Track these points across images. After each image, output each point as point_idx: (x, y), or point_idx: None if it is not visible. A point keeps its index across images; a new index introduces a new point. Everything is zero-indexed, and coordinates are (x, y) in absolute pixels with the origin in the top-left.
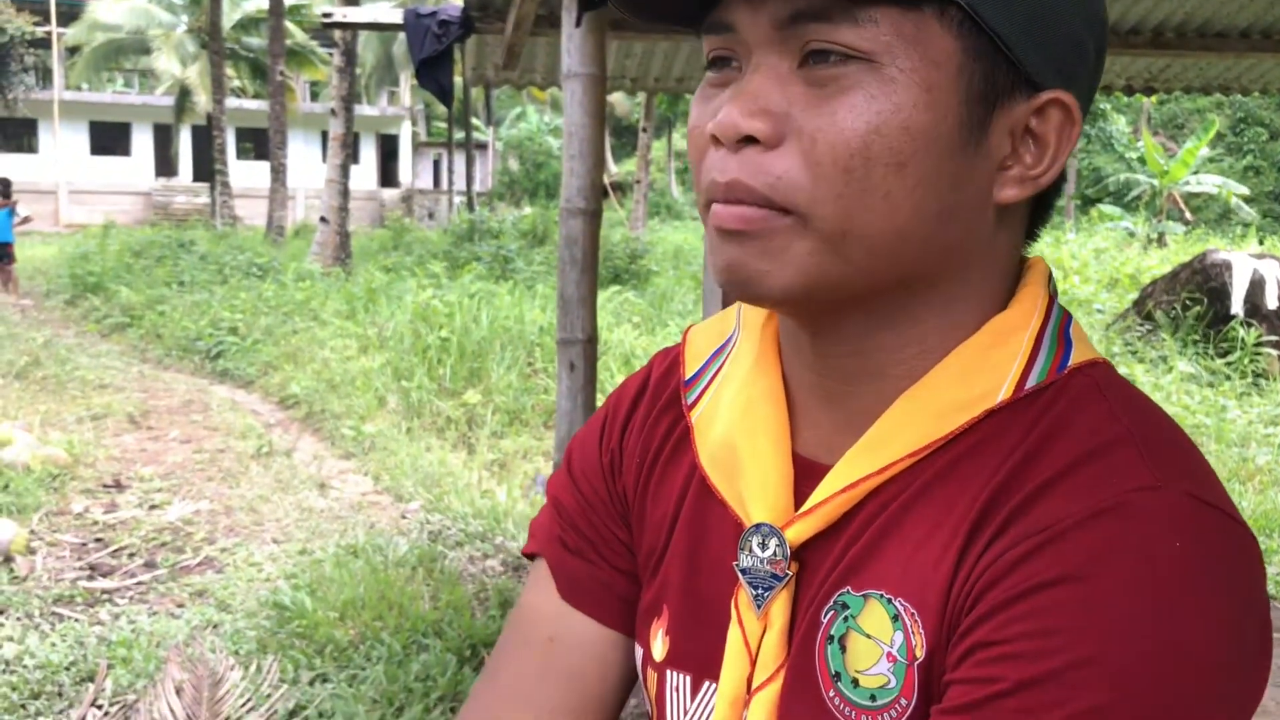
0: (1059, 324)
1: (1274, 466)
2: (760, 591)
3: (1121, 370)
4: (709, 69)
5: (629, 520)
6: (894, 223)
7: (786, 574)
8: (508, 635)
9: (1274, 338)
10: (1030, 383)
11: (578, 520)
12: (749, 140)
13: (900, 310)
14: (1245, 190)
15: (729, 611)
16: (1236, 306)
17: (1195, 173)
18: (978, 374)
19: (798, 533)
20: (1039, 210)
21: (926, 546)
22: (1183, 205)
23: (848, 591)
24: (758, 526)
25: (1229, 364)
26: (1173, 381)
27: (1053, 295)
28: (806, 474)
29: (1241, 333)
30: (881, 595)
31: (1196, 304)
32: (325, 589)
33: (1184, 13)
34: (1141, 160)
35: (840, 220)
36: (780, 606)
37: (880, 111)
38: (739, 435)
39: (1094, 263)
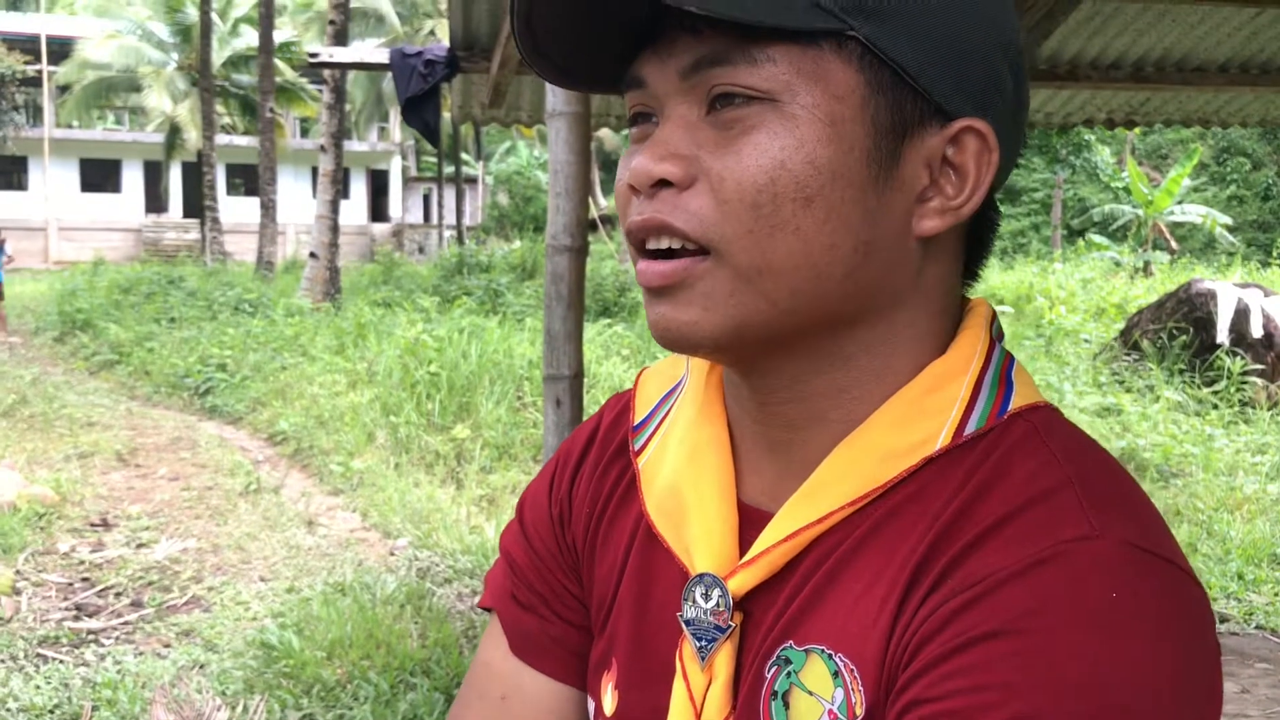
0: (1000, 367)
1: (1261, 495)
2: (704, 644)
3: (1108, 400)
4: (631, 126)
5: (579, 572)
6: (809, 258)
7: (730, 625)
8: (464, 693)
9: (1259, 366)
10: (969, 429)
11: (529, 574)
12: (663, 184)
13: (832, 352)
14: (1229, 219)
15: (674, 663)
16: (1222, 335)
17: (1180, 202)
18: (916, 420)
19: (740, 583)
20: (975, 247)
21: (865, 600)
22: (1168, 234)
23: (790, 646)
24: (701, 577)
25: (1215, 393)
26: (1160, 410)
27: (995, 338)
28: (751, 522)
29: (1227, 362)
30: (823, 650)
31: (1182, 333)
32: (313, 628)
33: (1163, 48)
34: (1126, 190)
35: (754, 256)
36: (724, 658)
37: (784, 147)
38: (684, 482)
39: (1081, 292)
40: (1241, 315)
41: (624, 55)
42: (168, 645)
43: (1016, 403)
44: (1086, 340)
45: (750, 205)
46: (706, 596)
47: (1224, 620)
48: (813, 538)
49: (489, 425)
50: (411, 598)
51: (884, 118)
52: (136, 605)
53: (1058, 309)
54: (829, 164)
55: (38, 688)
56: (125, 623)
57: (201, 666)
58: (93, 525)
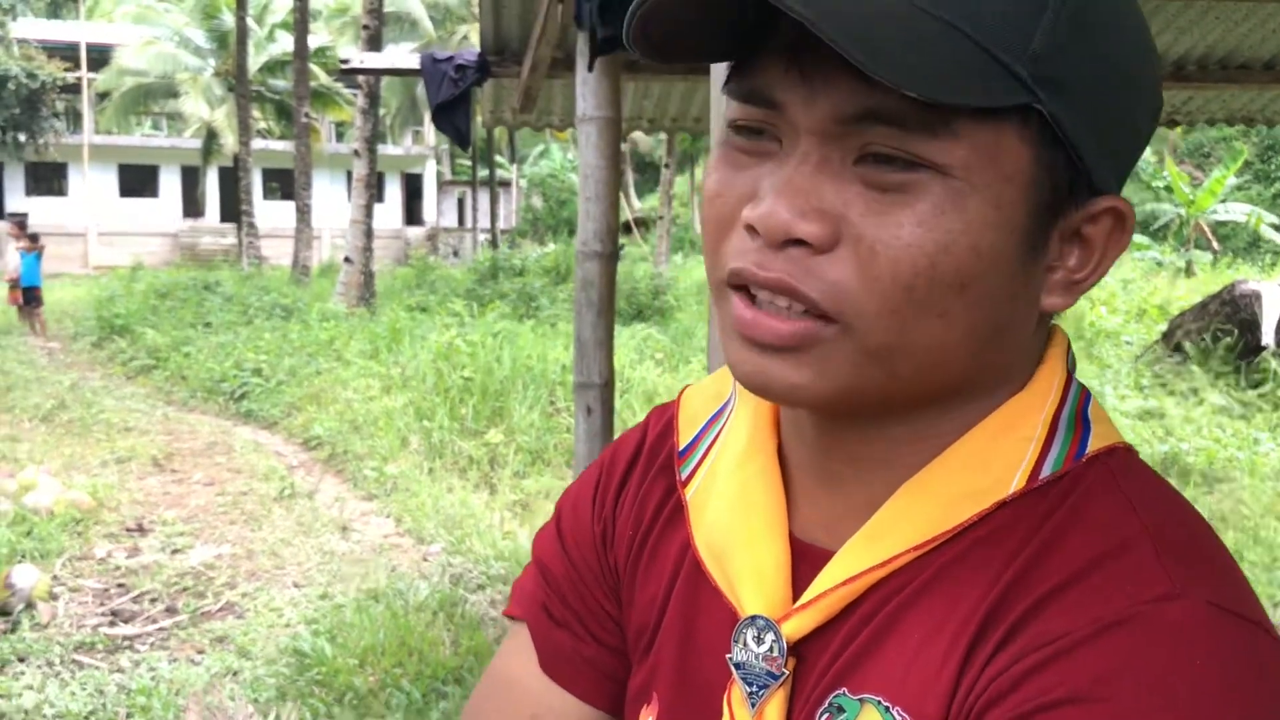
0: (1076, 404)
1: None
2: (755, 689)
3: (1150, 403)
4: (736, 134)
5: (618, 594)
6: (946, 341)
7: (783, 673)
8: (482, 706)
9: None
10: (1045, 471)
11: (565, 590)
12: (798, 242)
13: (925, 411)
14: (1274, 218)
15: (721, 707)
16: (1267, 337)
17: (1223, 201)
18: (989, 462)
19: (795, 627)
20: None
21: (928, 650)
22: (1210, 234)
23: (844, 694)
24: (753, 619)
25: (1261, 395)
26: (1204, 414)
27: (1070, 370)
28: (804, 558)
29: (1273, 364)
30: (879, 701)
31: (1226, 335)
32: (345, 635)
33: (1205, 45)
34: (1168, 189)
35: (891, 337)
36: (775, 707)
37: (950, 230)
38: (735, 521)
39: (1121, 293)
40: None
41: (733, 34)
42: (201, 652)
43: (1094, 444)
44: (1128, 342)
45: (904, 286)
46: (759, 640)
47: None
48: (874, 581)
49: (522, 430)
50: (444, 605)
51: (1046, 197)
52: (171, 611)
53: (1098, 310)
54: (991, 249)
55: (73, 694)
56: (160, 629)
57: (234, 673)
58: (129, 531)
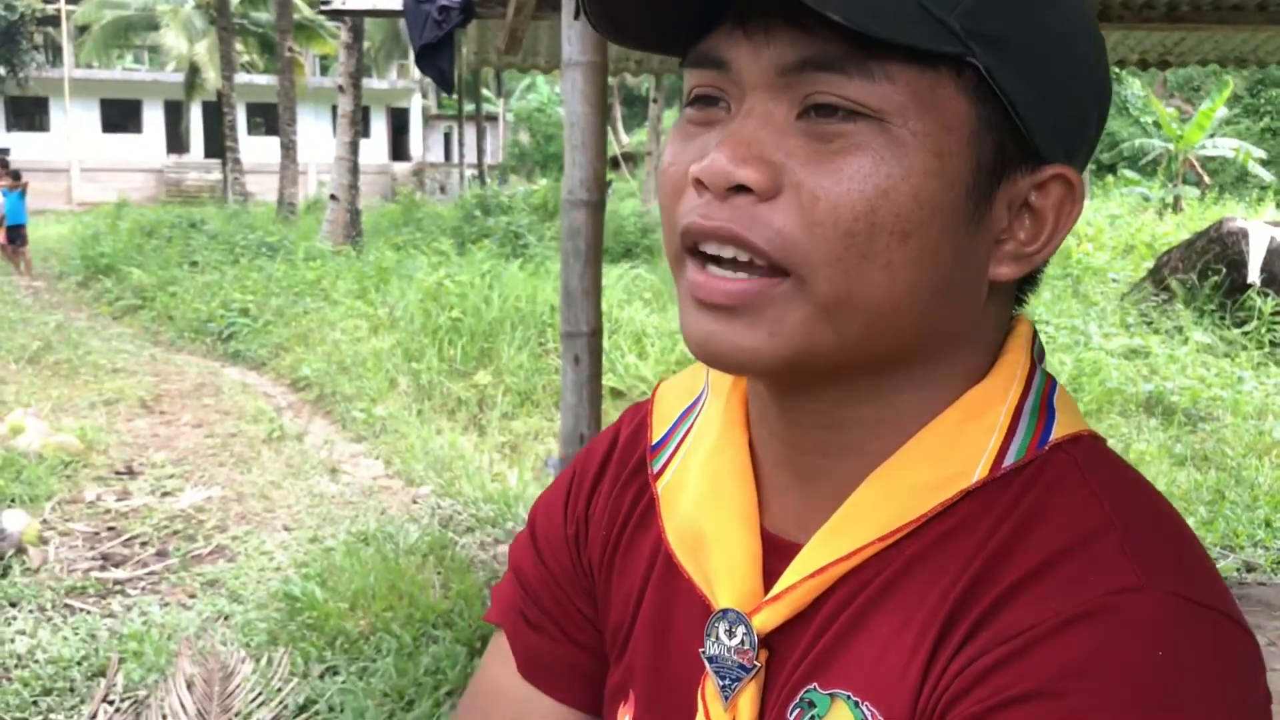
0: (1041, 393)
1: None
2: (728, 682)
3: (1136, 342)
4: (690, 105)
5: (594, 595)
6: (892, 295)
7: (755, 665)
8: (470, 714)
9: None
10: (1008, 460)
11: (540, 593)
12: (740, 189)
13: (879, 384)
14: (1263, 153)
15: (695, 702)
16: (1253, 275)
17: (1211, 136)
18: (952, 451)
19: (766, 620)
20: (1029, 276)
21: (896, 645)
22: (1199, 169)
23: (814, 689)
24: (724, 612)
25: (1246, 334)
26: (1189, 353)
27: (1035, 360)
28: (775, 552)
29: (1259, 302)
30: (849, 697)
31: (1213, 273)
32: (336, 579)
33: None
34: (1157, 124)
35: (838, 287)
36: (748, 699)
37: (890, 175)
38: (705, 513)
39: (1109, 229)
40: (1274, 254)
41: (697, 19)
42: (193, 596)
43: (1058, 432)
44: (1115, 279)
45: (844, 232)
46: (730, 633)
47: (1250, 569)
48: (842, 573)
49: (511, 371)
50: (434, 548)
51: (987, 155)
52: (162, 555)
53: (1085, 247)
54: (932, 199)
55: (65, 639)
56: (151, 573)
57: (226, 618)
58: (118, 474)
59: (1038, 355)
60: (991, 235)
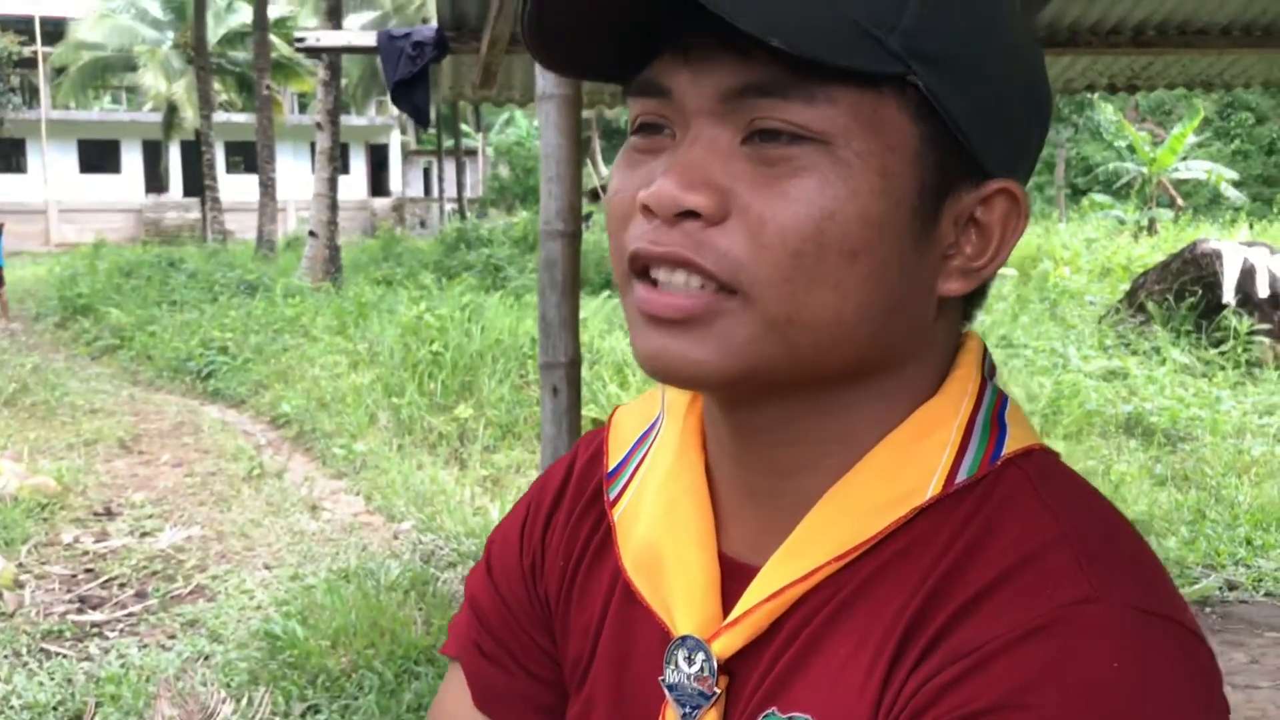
0: (992, 408)
1: (1270, 458)
2: (688, 710)
3: (1114, 364)
4: (635, 133)
5: (552, 627)
6: (841, 314)
7: (715, 692)
8: None
9: (1266, 326)
10: (960, 476)
11: (496, 625)
12: (688, 215)
13: (830, 402)
14: (1234, 175)
15: None
16: (1228, 296)
17: (1184, 159)
18: (904, 469)
19: (724, 646)
20: (976, 292)
21: (852, 665)
22: (1173, 191)
23: (774, 713)
24: (683, 639)
25: (1222, 354)
26: (1167, 374)
27: (988, 375)
28: (734, 576)
29: (1234, 322)
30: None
31: (1189, 294)
32: (317, 616)
33: (1164, 12)
34: (1130, 148)
35: (787, 306)
36: None
37: (836, 197)
38: (662, 538)
39: (1085, 253)
40: (1248, 275)
41: (637, 49)
42: (172, 636)
43: (1010, 447)
44: (1092, 302)
45: (793, 254)
46: (690, 660)
47: (1233, 587)
48: (799, 595)
49: (492, 404)
50: (415, 583)
51: (932, 173)
52: (140, 596)
53: (1061, 270)
54: (879, 218)
55: (41, 684)
56: (129, 614)
57: (206, 658)
58: (96, 515)
59: (988, 371)
60: (939, 251)
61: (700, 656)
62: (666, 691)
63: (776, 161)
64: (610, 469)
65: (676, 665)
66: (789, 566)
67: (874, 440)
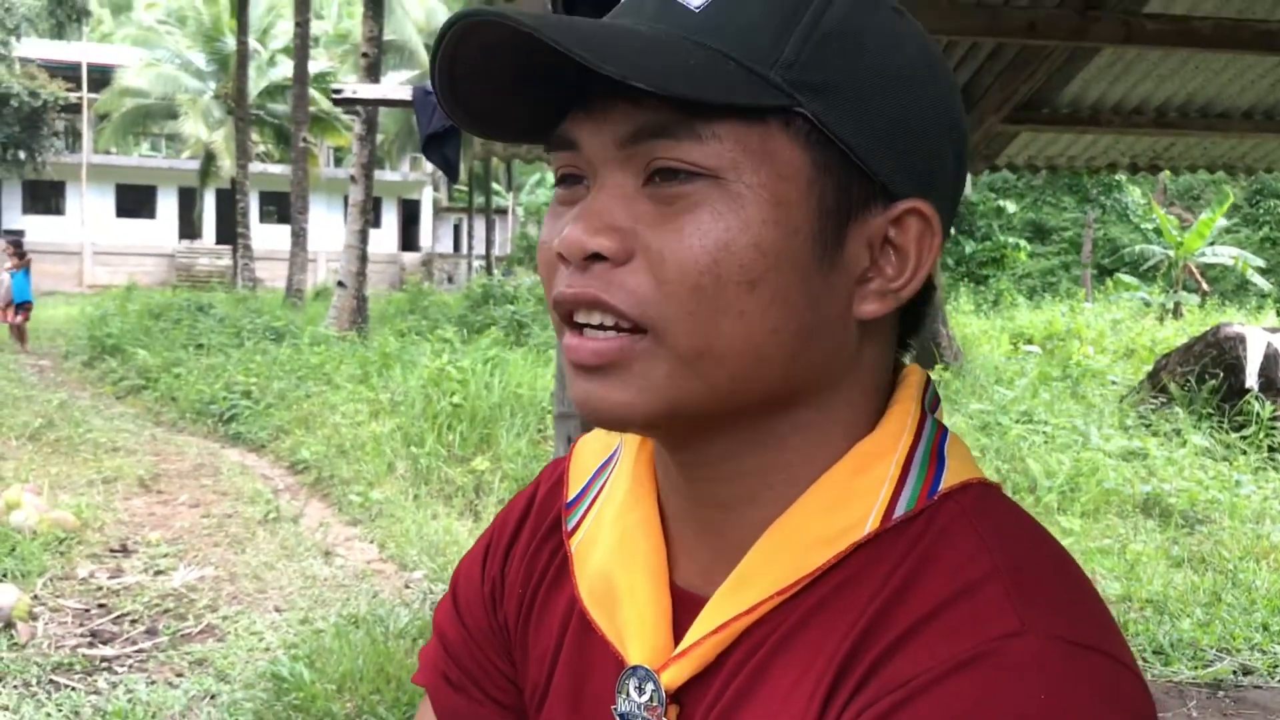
0: (932, 442)
1: None
2: None
3: (1134, 444)
4: (557, 186)
5: (512, 653)
6: (751, 342)
7: None
8: None
9: None
10: (899, 511)
11: (460, 653)
12: (597, 258)
13: (765, 433)
14: (1261, 262)
15: None
16: (1251, 380)
17: (1211, 244)
18: (844, 504)
19: (673, 676)
20: (908, 319)
21: (795, 696)
22: (1199, 276)
23: None
24: (634, 669)
25: (1243, 438)
26: (1186, 455)
27: (929, 408)
28: (685, 607)
29: (1256, 407)
30: None
31: (1211, 377)
32: (324, 660)
33: (1187, 93)
34: (1157, 231)
35: (695, 339)
36: None
37: (729, 228)
38: (616, 568)
39: (1110, 333)
40: (1271, 360)
41: (550, 109)
42: (180, 674)
43: (948, 480)
44: (1114, 382)
45: (692, 287)
46: (640, 690)
47: (1248, 672)
48: (744, 627)
49: (509, 458)
50: (424, 632)
51: (830, 198)
52: (151, 633)
53: (1086, 349)
54: (774, 246)
55: (48, 715)
56: (139, 650)
57: (212, 697)
58: (112, 551)
59: (930, 404)
60: (850, 275)
61: (650, 686)
62: None
63: (673, 200)
64: (570, 499)
65: (628, 694)
66: (735, 599)
67: (812, 470)
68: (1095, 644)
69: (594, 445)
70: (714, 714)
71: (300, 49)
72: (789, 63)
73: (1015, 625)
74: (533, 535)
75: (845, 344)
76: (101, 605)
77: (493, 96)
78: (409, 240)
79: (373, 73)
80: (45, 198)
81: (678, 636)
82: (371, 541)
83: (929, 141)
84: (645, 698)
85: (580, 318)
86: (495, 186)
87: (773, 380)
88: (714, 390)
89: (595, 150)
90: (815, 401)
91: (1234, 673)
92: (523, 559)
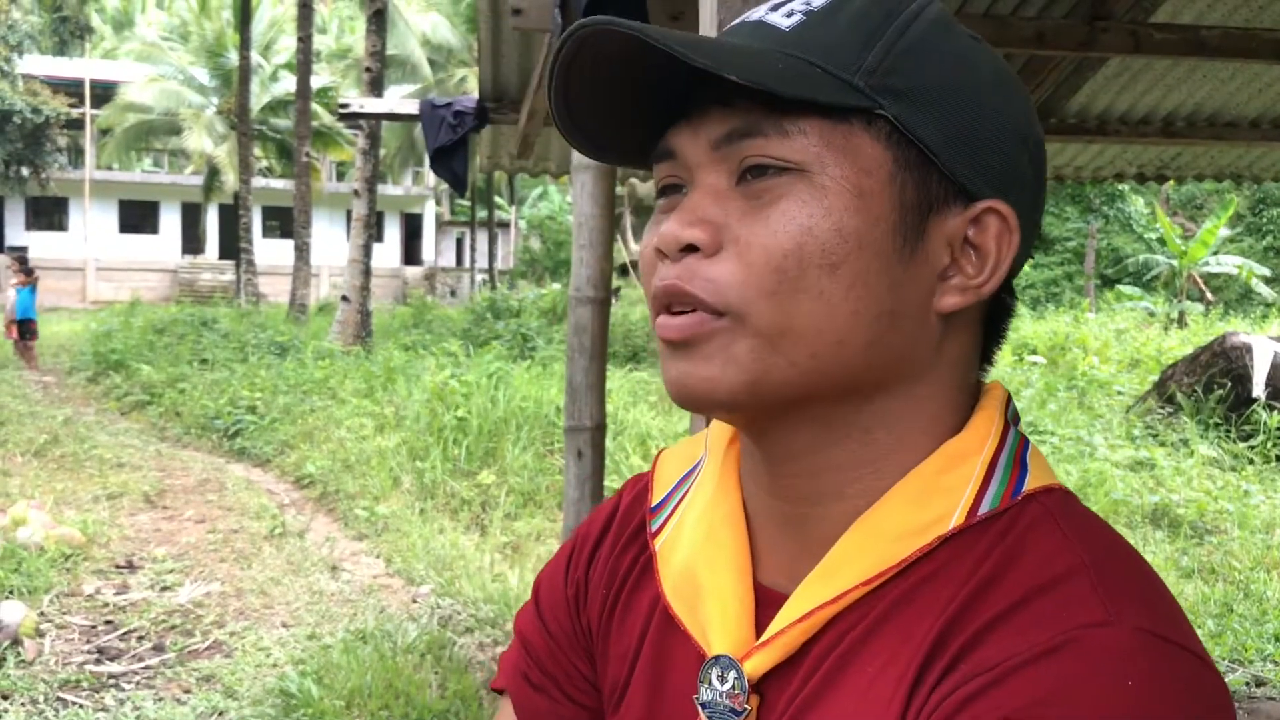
0: (1015, 449)
1: None
2: None
3: (1141, 454)
4: (659, 196)
5: (593, 654)
6: (832, 322)
7: (745, 708)
8: None
9: None
10: (983, 509)
11: (542, 655)
12: (690, 249)
13: (850, 423)
14: (1266, 271)
15: None
16: (1258, 389)
17: (1215, 253)
18: (931, 498)
19: (756, 665)
20: (991, 332)
21: (880, 682)
22: (1203, 285)
23: None
24: (717, 659)
25: (1251, 447)
26: (1194, 465)
27: (1011, 421)
28: (768, 604)
29: (1264, 416)
30: None
31: (1218, 387)
32: (332, 676)
33: (1194, 103)
34: (1161, 240)
35: (776, 318)
36: None
37: (812, 214)
38: (700, 563)
39: (1115, 343)
40: (1278, 369)
41: (656, 130)
42: (188, 691)
43: (1031, 485)
44: (1120, 392)
45: (775, 269)
46: (723, 679)
47: (1260, 684)
48: (828, 618)
49: (515, 472)
50: (432, 647)
51: (910, 193)
52: (158, 649)
53: (1090, 359)
54: (856, 233)
55: None
56: (146, 667)
57: (220, 713)
58: (118, 567)
59: (1012, 418)
60: (932, 270)
61: (733, 675)
62: (700, 709)
63: (762, 193)
64: (654, 504)
65: (710, 683)
66: (820, 589)
67: (897, 467)
68: (1177, 638)
69: (677, 456)
70: (797, 702)
71: (303, 64)
72: (871, 69)
73: (1102, 616)
74: (616, 540)
75: (926, 336)
76: (108, 622)
77: (608, 121)
78: (412, 254)
79: (375, 87)
80: (48, 214)
81: (759, 633)
82: (378, 556)
83: (1003, 148)
84: (728, 686)
85: (675, 308)
86: (498, 200)
87: (854, 363)
88: (796, 367)
89: (691, 155)
90: (898, 393)
91: (1246, 684)
92: (606, 562)
